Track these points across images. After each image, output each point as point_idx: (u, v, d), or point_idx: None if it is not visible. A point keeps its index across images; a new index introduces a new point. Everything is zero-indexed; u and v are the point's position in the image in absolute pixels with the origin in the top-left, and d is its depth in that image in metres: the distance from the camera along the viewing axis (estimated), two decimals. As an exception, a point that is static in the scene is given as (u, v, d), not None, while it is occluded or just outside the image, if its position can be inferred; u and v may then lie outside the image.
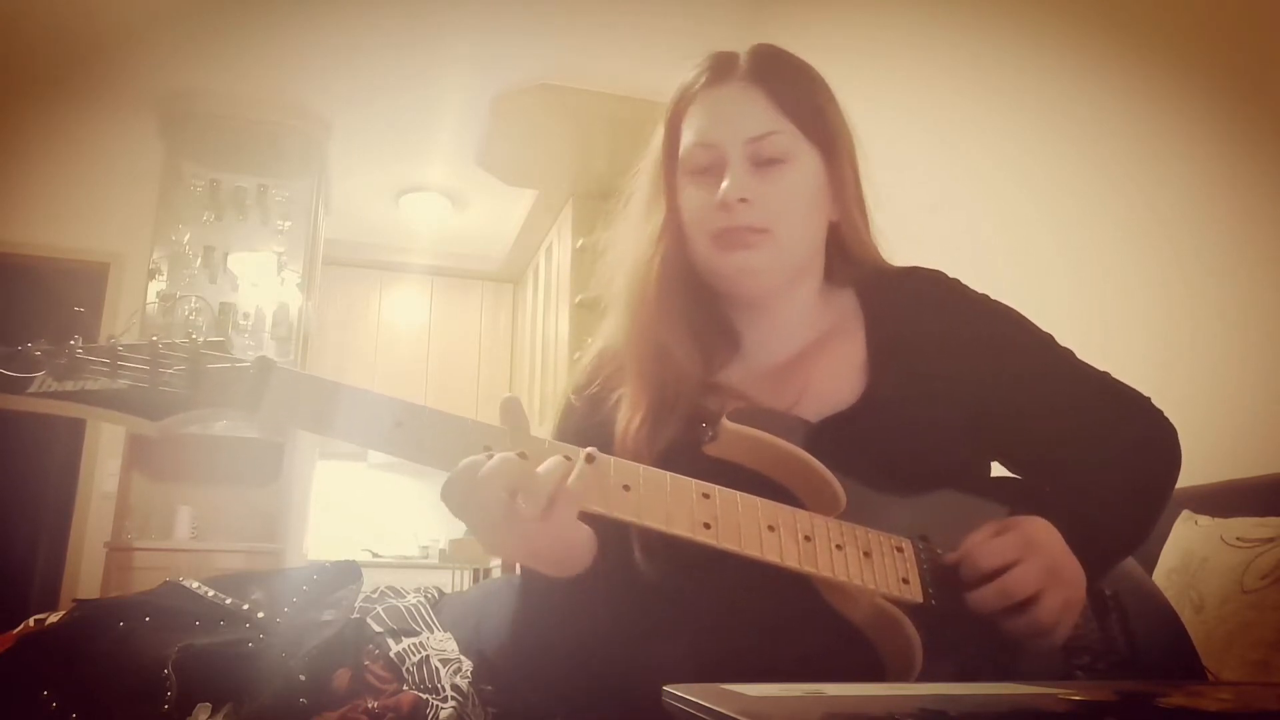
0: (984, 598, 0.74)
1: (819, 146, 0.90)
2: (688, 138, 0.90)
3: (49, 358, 0.66)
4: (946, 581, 0.78)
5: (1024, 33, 2.15)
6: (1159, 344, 1.67)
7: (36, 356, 0.66)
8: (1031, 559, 0.75)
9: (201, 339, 0.71)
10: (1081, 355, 0.98)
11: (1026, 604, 0.74)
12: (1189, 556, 1.26)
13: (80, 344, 0.68)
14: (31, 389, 0.66)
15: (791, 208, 0.88)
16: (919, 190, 2.33)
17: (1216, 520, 1.28)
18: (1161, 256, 1.70)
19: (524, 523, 0.68)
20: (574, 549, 0.75)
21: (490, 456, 0.68)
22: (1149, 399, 0.95)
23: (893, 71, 2.56)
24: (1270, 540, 1.17)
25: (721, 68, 0.91)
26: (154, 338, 0.70)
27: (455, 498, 0.68)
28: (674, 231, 0.91)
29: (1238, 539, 1.21)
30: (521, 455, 0.68)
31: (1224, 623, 1.14)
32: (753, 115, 0.88)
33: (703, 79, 0.91)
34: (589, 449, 0.72)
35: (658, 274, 0.90)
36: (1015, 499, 0.87)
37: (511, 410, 0.73)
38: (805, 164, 0.89)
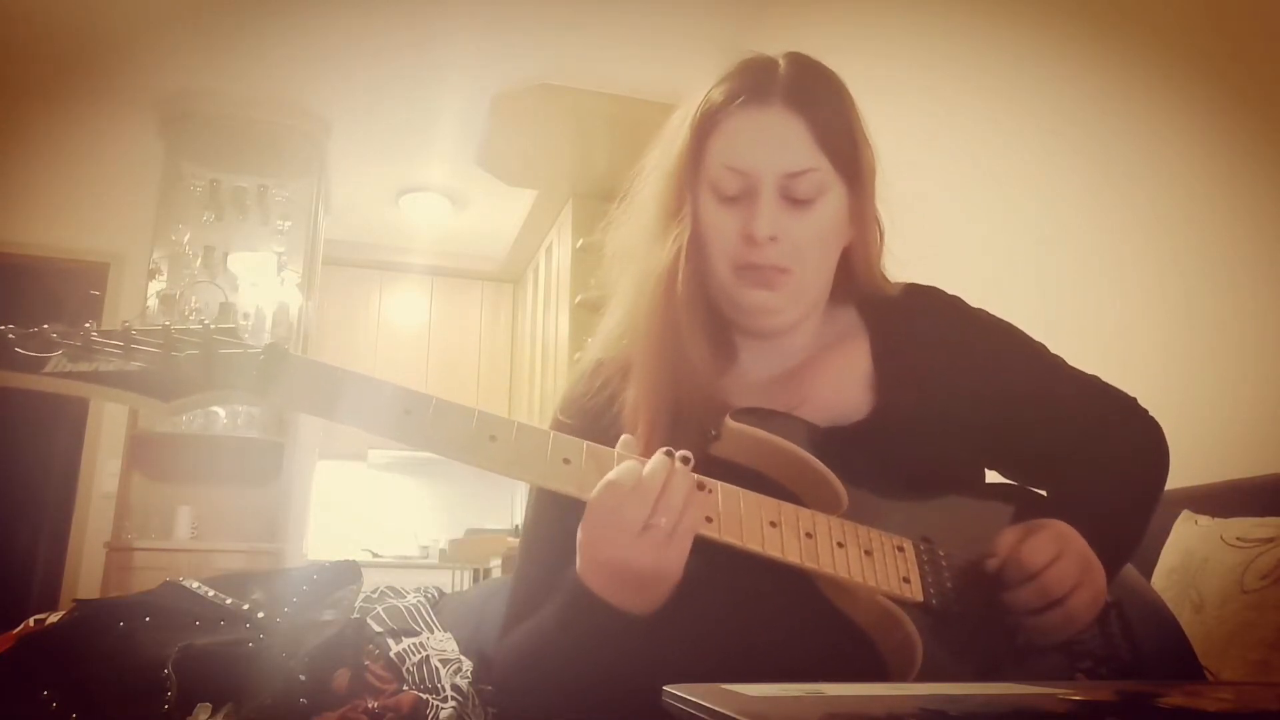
0: (1023, 596, 0.75)
1: (847, 180, 0.87)
2: (720, 157, 0.86)
3: (64, 339, 0.69)
4: (966, 582, 0.78)
5: (1027, 36, 2.15)
6: (1159, 344, 1.67)
7: (52, 338, 0.68)
8: (1069, 554, 0.76)
9: (213, 325, 0.73)
10: (1083, 355, 0.99)
11: (1063, 599, 0.75)
12: (1189, 556, 1.26)
13: (94, 327, 0.70)
14: (46, 369, 0.68)
15: (816, 247, 0.86)
16: (918, 191, 2.33)
17: (1216, 520, 1.28)
18: (1162, 257, 1.70)
19: (655, 539, 0.67)
20: (678, 575, 0.71)
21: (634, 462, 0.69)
22: (1135, 400, 0.96)
23: (893, 74, 2.56)
24: (1270, 540, 1.17)
25: (759, 85, 0.86)
26: (166, 322, 0.72)
27: (607, 505, 0.68)
28: (697, 248, 0.87)
29: (1238, 539, 1.21)
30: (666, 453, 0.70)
31: (1224, 623, 1.14)
32: (791, 149, 0.84)
33: (740, 98, 0.85)
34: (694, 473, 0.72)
35: (685, 293, 0.86)
36: (1018, 503, 0.88)
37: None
38: (833, 200, 0.87)
